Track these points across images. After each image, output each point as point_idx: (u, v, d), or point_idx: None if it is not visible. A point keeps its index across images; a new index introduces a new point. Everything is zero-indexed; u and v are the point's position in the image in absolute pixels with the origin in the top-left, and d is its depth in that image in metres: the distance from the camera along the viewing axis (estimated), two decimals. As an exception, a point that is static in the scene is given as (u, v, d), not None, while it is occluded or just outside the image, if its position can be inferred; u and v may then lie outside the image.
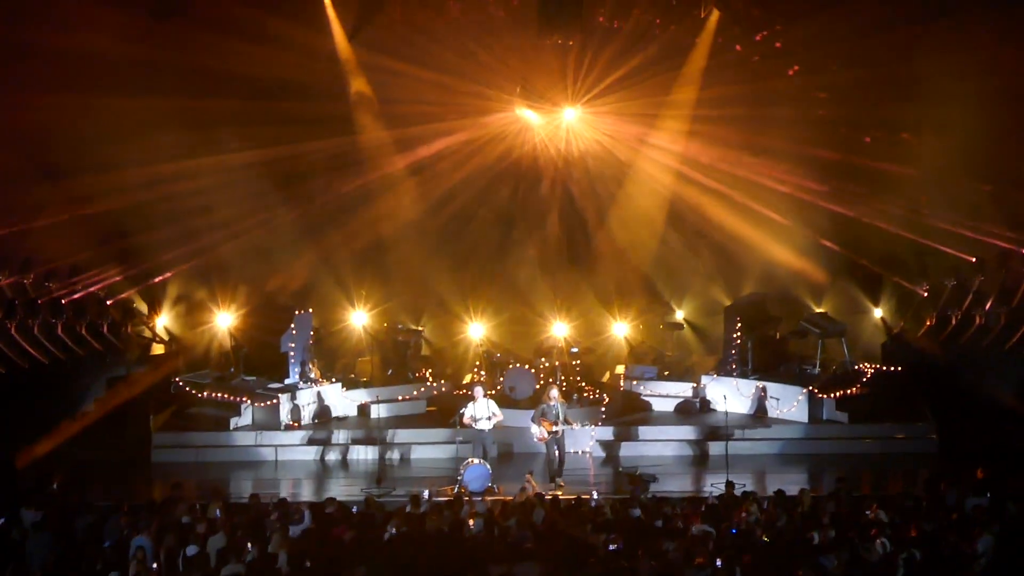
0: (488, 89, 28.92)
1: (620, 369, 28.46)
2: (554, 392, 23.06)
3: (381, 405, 25.64)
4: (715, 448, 24.43)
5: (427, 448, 24.67)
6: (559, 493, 21.08)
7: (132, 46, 25.81)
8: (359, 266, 29.23)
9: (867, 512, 17.89)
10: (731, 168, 28.77)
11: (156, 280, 28.74)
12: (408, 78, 28.34)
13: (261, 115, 27.21)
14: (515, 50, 28.86)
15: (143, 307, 28.37)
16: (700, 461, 24.51)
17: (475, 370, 27.88)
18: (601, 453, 24.70)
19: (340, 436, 24.99)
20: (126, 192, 26.80)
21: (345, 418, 26.20)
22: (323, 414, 25.96)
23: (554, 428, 22.64)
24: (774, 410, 25.74)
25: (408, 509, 18.62)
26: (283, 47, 27.15)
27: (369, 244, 29.26)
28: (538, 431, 22.81)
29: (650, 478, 21.92)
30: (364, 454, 24.46)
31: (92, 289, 27.79)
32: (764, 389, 26.04)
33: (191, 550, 16.61)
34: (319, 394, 26.15)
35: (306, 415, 25.62)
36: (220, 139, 27.79)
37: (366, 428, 25.22)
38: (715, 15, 28.69)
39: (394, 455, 24.54)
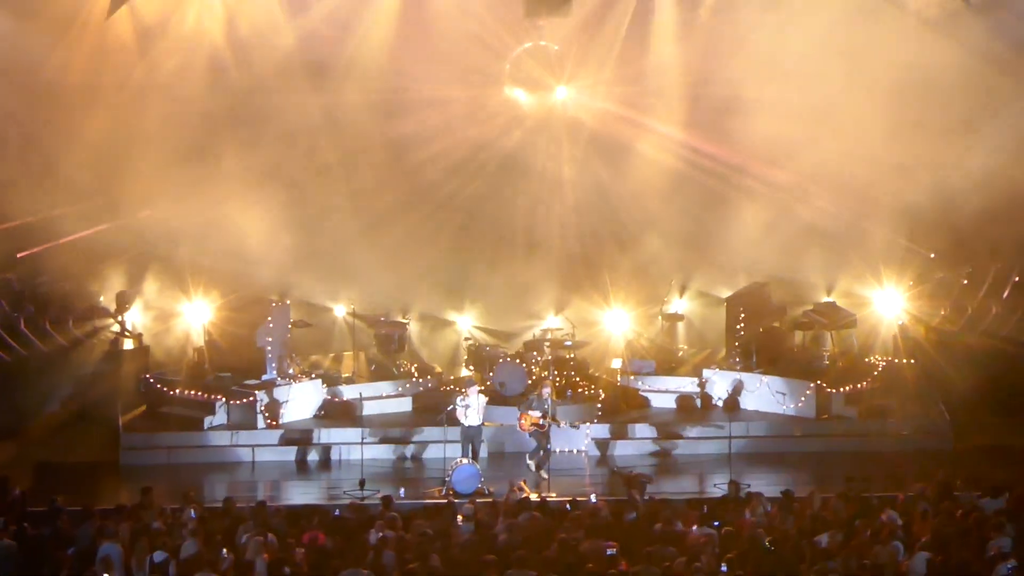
0: (475, 70, 27.97)
1: (616, 364, 27.70)
2: (547, 390, 22.68)
3: (365, 403, 25.10)
4: (715, 447, 23.92)
5: (413, 448, 24.17)
6: (550, 495, 20.72)
7: None
8: (339, 254, 27.95)
9: (880, 515, 17.38)
10: (732, 150, 27.63)
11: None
12: (393, 55, 27.53)
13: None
14: (503, 30, 27.93)
15: (111, 301, 27.51)
16: (699, 460, 23.92)
17: (465, 364, 27.53)
18: (596, 452, 24.26)
19: (320, 436, 24.41)
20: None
21: (324, 417, 25.53)
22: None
23: (541, 422, 22.23)
24: (780, 405, 25.25)
25: (380, 511, 18.42)
26: None
27: (352, 231, 28.04)
28: (523, 420, 22.46)
29: (646, 479, 21.33)
30: (347, 454, 23.84)
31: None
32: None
33: (159, 556, 16.13)
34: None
35: (287, 412, 24.94)
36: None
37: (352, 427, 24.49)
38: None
39: (381, 455, 23.92)
